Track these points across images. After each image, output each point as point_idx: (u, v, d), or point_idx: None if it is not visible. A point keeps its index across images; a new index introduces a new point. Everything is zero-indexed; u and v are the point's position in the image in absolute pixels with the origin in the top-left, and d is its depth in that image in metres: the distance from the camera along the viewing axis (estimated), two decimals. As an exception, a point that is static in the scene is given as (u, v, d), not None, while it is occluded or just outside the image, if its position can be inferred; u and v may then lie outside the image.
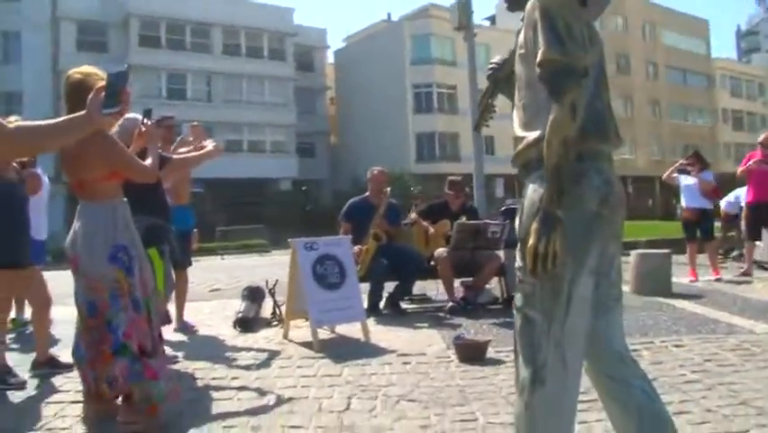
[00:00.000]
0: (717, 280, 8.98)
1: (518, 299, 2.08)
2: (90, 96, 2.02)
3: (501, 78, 2.46)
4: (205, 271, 13.70)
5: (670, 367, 4.25)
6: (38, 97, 31.06)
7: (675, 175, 9.60)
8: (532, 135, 2.03)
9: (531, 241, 1.90)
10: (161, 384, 3.38)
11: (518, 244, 2.06)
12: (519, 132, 2.11)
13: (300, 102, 40.69)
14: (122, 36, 35.86)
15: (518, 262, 2.06)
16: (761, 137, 9.41)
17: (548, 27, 1.93)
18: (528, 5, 2.02)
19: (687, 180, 9.35)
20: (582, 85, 1.91)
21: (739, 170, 9.52)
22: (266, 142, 39.32)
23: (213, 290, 10.21)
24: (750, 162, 9.15)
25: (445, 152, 40.31)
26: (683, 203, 9.43)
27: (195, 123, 6.05)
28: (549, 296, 1.98)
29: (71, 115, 2.07)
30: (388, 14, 48.80)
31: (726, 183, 10.09)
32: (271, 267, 11.75)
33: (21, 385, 4.25)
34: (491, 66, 2.52)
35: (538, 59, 1.92)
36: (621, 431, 2.14)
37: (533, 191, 2.01)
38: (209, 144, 4.78)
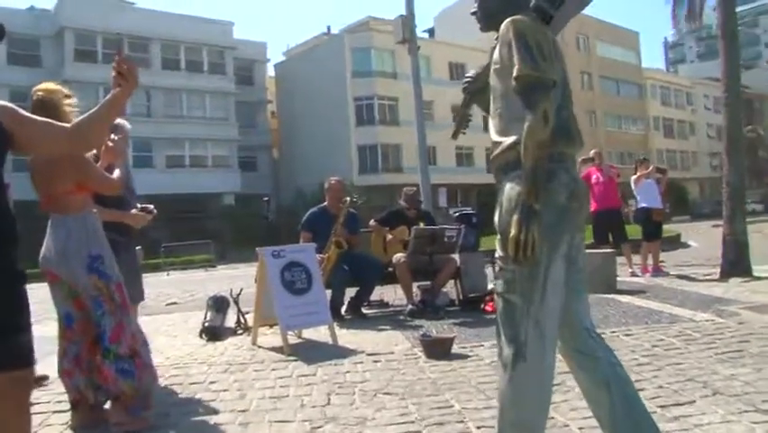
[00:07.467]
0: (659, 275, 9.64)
1: (499, 285, 2.32)
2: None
3: (475, 90, 2.73)
4: (154, 286, 13.64)
5: (623, 353, 4.56)
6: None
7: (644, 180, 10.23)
8: (508, 141, 2.29)
9: (513, 231, 2.16)
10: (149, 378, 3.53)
11: (498, 236, 2.32)
12: (496, 137, 2.37)
13: (241, 116, 40.60)
14: (56, 50, 35.19)
15: (498, 252, 2.32)
16: (591, 152, 10.26)
17: (522, 46, 2.20)
18: (503, 27, 2.29)
19: (646, 183, 10.11)
20: (551, 95, 2.19)
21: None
22: (207, 157, 39.09)
23: (169, 304, 10.24)
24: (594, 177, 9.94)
25: (388, 163, 40.63)
26: (645, 204, 10.10)
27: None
28: (528, 281, 2.23)
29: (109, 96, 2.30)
30: (328, 27, 48.83)
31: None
32: (222, 280, 11.79)
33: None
34: (466, 79, 2.79)
35: (514, 74, 2.19)
36: (593, 398, 2.40)
37: (510, 189, 2.26)
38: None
